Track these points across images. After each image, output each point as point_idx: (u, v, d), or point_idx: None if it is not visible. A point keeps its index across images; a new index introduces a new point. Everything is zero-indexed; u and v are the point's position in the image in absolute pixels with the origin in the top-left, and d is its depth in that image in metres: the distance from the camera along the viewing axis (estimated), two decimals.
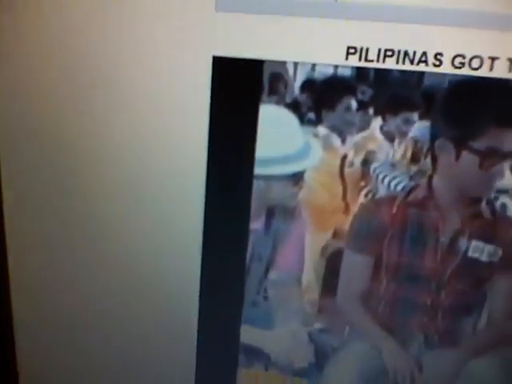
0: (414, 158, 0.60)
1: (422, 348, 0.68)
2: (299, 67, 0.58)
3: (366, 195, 0.63)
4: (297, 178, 0.62)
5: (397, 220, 0.63)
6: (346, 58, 0.57)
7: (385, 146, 0.60)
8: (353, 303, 0.68)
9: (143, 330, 0.76)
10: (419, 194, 0.62)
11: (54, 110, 0.67)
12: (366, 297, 0.67)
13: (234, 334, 0.71)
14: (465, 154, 0.59)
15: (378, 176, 0.61)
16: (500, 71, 0.56)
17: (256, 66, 0.58)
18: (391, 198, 0.62)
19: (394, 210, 0.63)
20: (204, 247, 0.67)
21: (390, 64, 0.57)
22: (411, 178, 0.61)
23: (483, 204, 0.62)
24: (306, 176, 0.63)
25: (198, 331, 0.72)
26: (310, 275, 0.67)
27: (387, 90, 0.58)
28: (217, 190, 0.64)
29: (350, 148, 0.61)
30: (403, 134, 0.59)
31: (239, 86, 0.59)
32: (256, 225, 0.66)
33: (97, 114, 0.65)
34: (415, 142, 0.59)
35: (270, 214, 0.65)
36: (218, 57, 0.58)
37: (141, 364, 0.78)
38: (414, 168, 0.61)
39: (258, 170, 0.62)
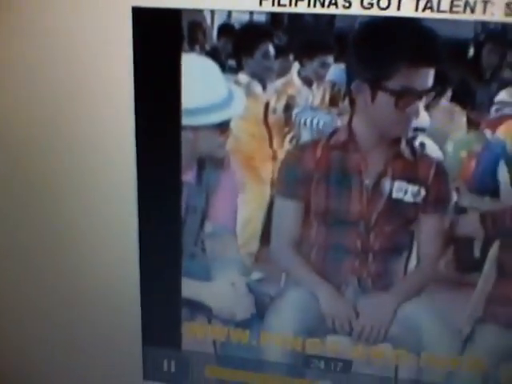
0: (333, 101, 0.62)
1: (357, 292, 0.70)
2: (216, 15, 0.60)
3: (291, 141, 0.65)
4: (223, 127, 0.64)
5: (321, 164, 0.65)
6: (260, 4, 0.59)
7: (304, 91, 0.62)
8: (286, 250, 0.69)
9: (86, 292, 0.77)
10: (340, 136, 0.64)
11: None
12: (299, 243, 0.69)
13: (176, 288, 0.73)
14: (380, 94, 0.61)
15: (299, 121, 0.64)
16: (407, 10, 0.58)
17: (174, 15, 0.60)
18: (314, 143, 0.64)
19: (318, 154, 0.65)
20: (139, 201, 0.69)
21: (302, 8, 0.59)
22: (331, 121, 0.63)
23: (403, 144, 0.64)
24: (233, 125, 0.65)
25: (140, 289, 0.74)
26: (245, 225, 0.69)
27: (301, 35, 0.60)
28: (146, 143, 0.66)
29: (272, 94, 0.63)
30: (320, 78, 0.61)
31: (160, 36, 0.61)
32: (188, 177, 0.67)
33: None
34: (332, 85, 0.62)
35: (201, 165, 0.67)
36: (136, 7, 0.60)
37: (88, 329, 0.79)
38: (333, 111, 0.63)
39: (185, 121, 0.64)
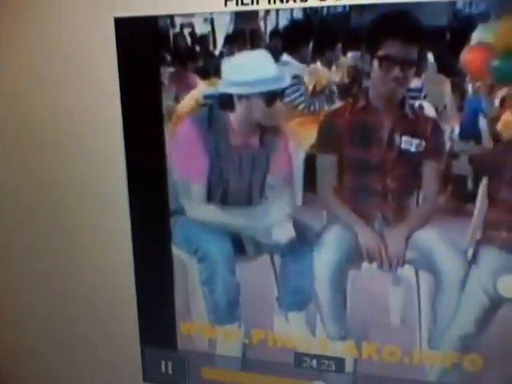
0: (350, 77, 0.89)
1: (382, 224, 0.92)
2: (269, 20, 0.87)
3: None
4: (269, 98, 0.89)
5: (350, 124, 0.90)
6: (225, 5, 0.70)
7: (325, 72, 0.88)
8: (328, 195, 0.93)
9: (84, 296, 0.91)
10: (361, 102, 0.90)
11: None
12: (337, 188, 0.93)
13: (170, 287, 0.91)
14: (382, 64, 0.85)
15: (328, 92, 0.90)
16: None
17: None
18: (343, 108, 0.90)
19: (347, 116, 0.90)
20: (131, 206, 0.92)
21: (263, 5, 0.69)
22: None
23: (406, 106, 0.88)
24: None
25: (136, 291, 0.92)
26: (297, 177, 0.94)
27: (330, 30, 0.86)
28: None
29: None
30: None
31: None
32: (253, 140, 0.93)
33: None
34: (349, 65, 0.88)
35: (263, 131, 0.93)
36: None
37: (87, 329, 0.92)
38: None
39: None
